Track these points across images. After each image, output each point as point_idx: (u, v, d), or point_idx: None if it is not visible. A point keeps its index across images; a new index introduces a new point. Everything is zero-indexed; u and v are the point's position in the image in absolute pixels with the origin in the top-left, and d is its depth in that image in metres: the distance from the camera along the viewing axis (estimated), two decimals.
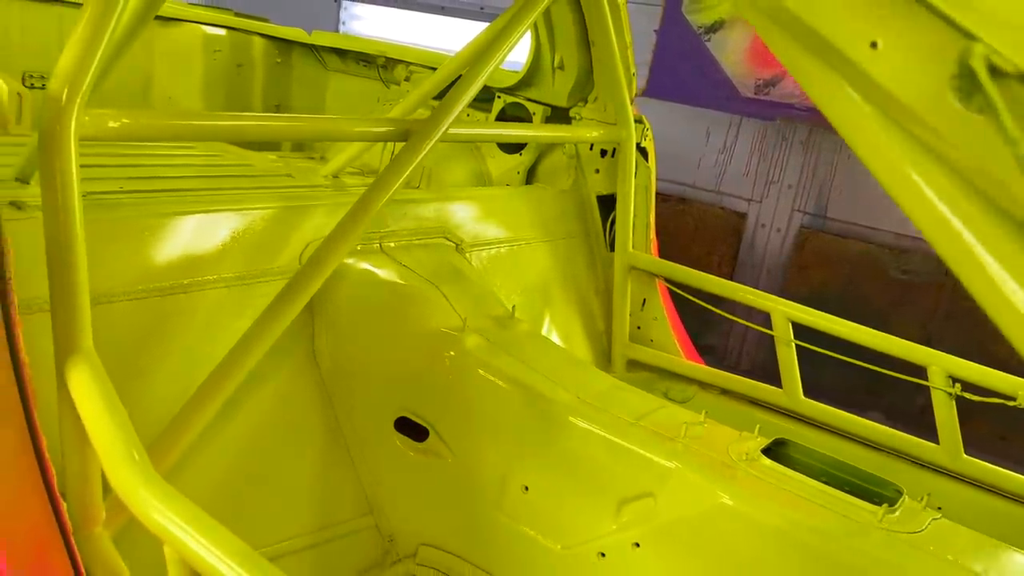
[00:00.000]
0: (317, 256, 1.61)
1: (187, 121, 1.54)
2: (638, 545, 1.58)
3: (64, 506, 1.23)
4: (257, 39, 3.43)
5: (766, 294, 2.45)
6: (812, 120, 4.01)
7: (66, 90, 1.22)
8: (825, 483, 1.56)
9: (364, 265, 1.91)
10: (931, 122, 0.52)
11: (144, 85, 3.15)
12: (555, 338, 2.53)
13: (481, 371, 1.78)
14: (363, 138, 2.09)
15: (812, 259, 4.06)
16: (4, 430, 1.19)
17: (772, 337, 2.37)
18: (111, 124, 1.32)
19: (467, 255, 2.25)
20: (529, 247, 2.52)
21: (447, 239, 2.20)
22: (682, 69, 4.33)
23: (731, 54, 4.16)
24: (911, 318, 3.79)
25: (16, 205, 1.42)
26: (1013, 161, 0.45)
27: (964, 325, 3.68)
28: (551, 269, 2.59)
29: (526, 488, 1.71)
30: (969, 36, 0.49)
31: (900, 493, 1.54)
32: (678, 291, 2.66)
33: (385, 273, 1.92)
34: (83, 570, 1.21)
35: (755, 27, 0.67)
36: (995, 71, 0.48)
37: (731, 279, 4.34)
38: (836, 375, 2.62)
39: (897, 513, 1.47)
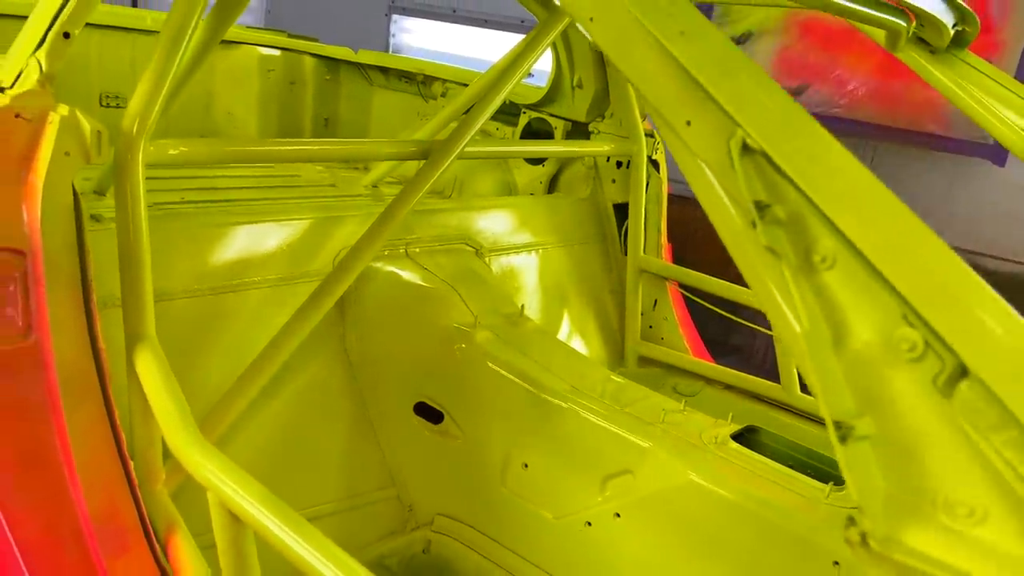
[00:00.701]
0: (346, 260, 1.87)
1: (232, 148, 1.82)
2: (619, 515, 1.80)
3: (132, 466, 1.51)
4: (308, 58, 3.72)
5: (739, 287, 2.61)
6: (836, 128, 4.14)
7: (135, 126, 1.50)
8: (790, 466, 1.76)
9: (390, 268, 2.17)
10: (720, 179, 0.74)
11: (207, 102, 3.47)
12: (571, 335, 2.75)
13: (489, 363, 2.02)
14: (389, 157, 2.35)
15: None
16: (86, 403, 1.47)
17: None
18: (170, 152, 1.60)
19: (486, 259, 2.50)
20: (547, 251, 2.75)
21: (468, 245, 2.45)
22: None
23: (758, 63, 4.32)
24: None
25: (95, 218, 1.70)
26: (743, 219, 0.68)
27: None
28: (568, 271, 2.82)
29: (526, 465, 1.95)
30: (735, 123, 0.71)
31: None
32: (687, 293, 2.86)
33: (408, 275, 2.17)
34: (147, 518, 1.48)
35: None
36: (746, 148, 0.70)
37: None
38: None
39: (843, 490, 1.66)
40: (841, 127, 4.13)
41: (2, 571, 1.38)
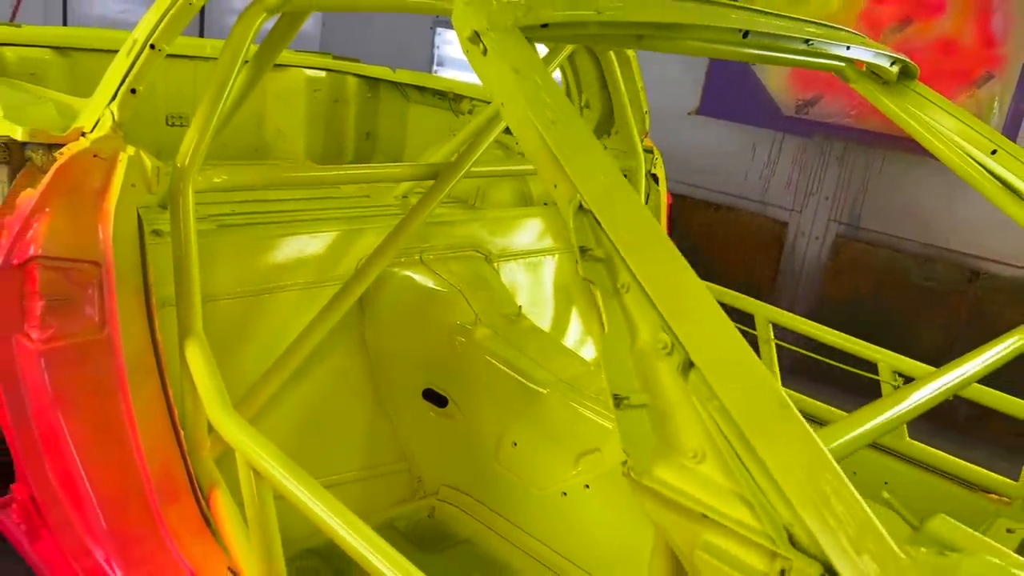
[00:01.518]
0: (365, 266, 2.23)
1: (263, 175, 2.19)
2: (588, 487, 2.11)
3: (183, 435, 1.88)
4: (350, 78, 4.09)
5: (749, 298, 2.87)
6: (847, 138, 4.36)
7: (186, 161, 1.87)
8: None
9: (406, 273, 2.51)
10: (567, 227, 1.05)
11: (258, 121, 3.86)
12: (575, 333, 3.06)
13: (486, 356, 2.35)
14: (403, 179, 2.69)
15: (846, 265, 4.41)
16: (147, 384, 1.84)
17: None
18: (215, 180, 1.96)
19: (495, 265, 2.82)
20: (553, 258, 3.06)
21: (478, 252, 2.77)
22: (732, 91, 4.75)
23: (775, 77, 4.55)
24: (934, 322, 4.10)
25: (157, 233, 2.07)
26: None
27: (983, 330, 3.98)
28: (574, 276, 3.12)
29: (515, 444, 2.27)
30: (576, 190, 1.02)
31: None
32: None
33: (421, 279, 2.51)
34: (193, 477, 1.85)
35: None
36: (581, 208, 1.01)
37: (774, 283, 4.75)
38: (806, 366, 3.03)
39: None
40: (852, 136, 4.34)
41: (83, 515, 1.77)
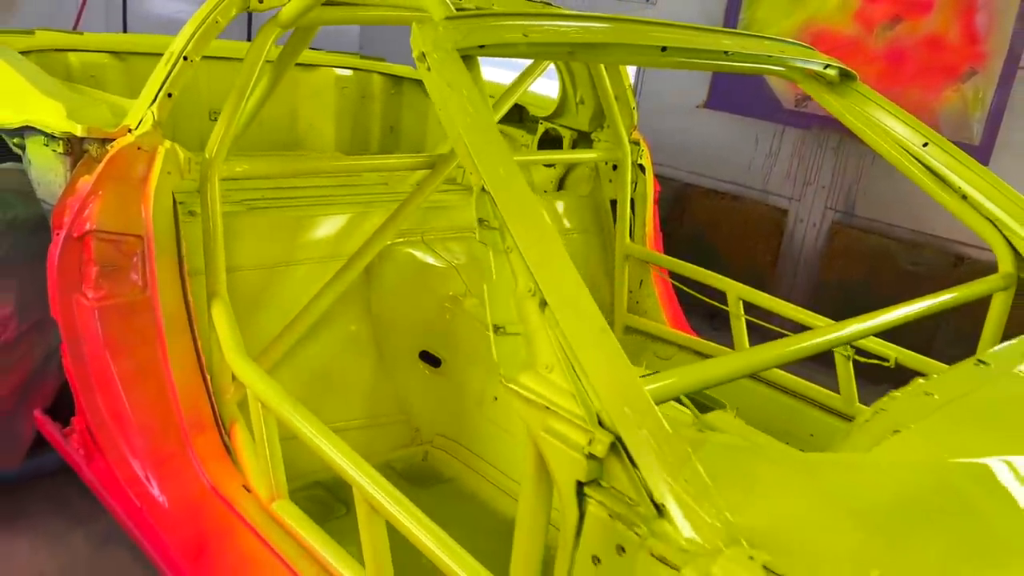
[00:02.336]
0: (369, 242, 2.60)
1: (278, 166, 2.58)
2: None
3: (209, 380, 2.27)
4: (376, 76, 4.47)
5: (723, 277, 3.16)
6: (842, 130, 4.60)
7: (213, 152, 2.26)
8: (678, 401, 2.37)
9: (408, 250, 2.87)
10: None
11: (291, 116, 4.26)
12: None
13: (474, 323, 2.70)
14: (404, 168, 3.05)
15: (840, 251, 4.66)
16: (181, 337, 2.23)
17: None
18: (237, 168, 2.35)
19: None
20: None
21: (472, 232, 3.13)
22: (736, 85, 5.02)
23: None
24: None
25: (192, 213, 2.47)
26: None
27: (966, 312, 4.20)
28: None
29: (495, 398, 2.62)
30: (481, 178, 1.37)
31: (723, 406, 2.33)
32: (661, 274, 3.45)
33: (420, 256, 2.87)
34: (217, 413, 2.24)
35: None
36: (483, 190, 1.36)
37: (774, 268, 5.02)
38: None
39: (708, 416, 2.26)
40: (846, 129, 4.57)
41: (127, 440, 2.18)
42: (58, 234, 2.16)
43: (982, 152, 4.14)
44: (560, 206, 3.50)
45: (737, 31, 2.26)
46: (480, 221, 1.37)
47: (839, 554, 1.01)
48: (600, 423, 1.14)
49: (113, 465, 2.21)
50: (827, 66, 2.44)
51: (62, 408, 2.48)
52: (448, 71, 1.54)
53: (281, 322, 2.51)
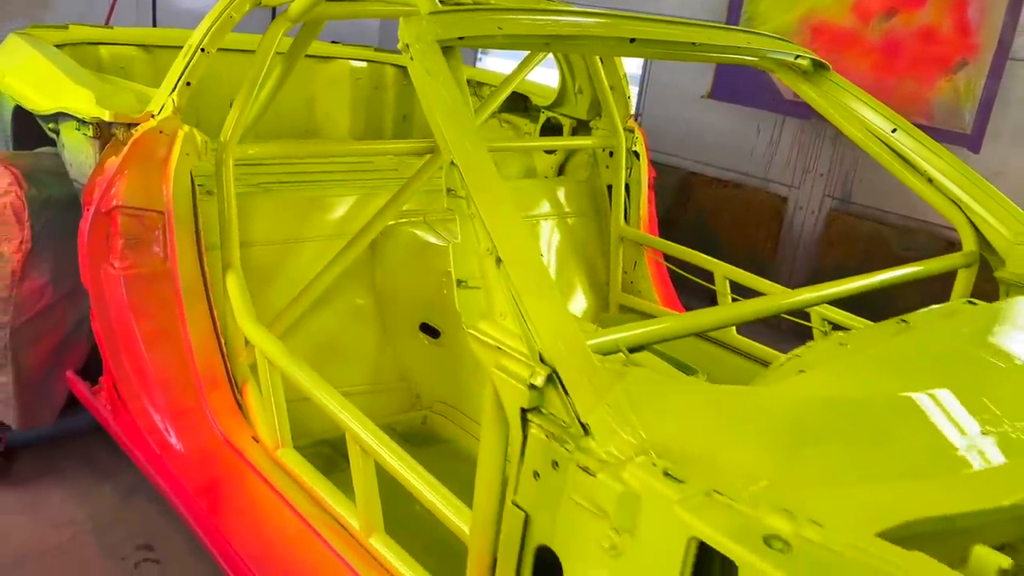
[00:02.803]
0: (372, 221, 2.81)
1: (290, 148, 2.79)
2: None
3: (224, 343, 2.49)
4: (389, 67, 4.68)
5: (710, 258, 3.33)
6: None
7: (228, 136, 2.48)
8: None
9: (410, 229, 3.08)
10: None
11: (309, 106, 4.48)
12: (566, 287, 3.57)
13: None
14: (403, 152, 3.25)
15: (837, 237, 4.81)
16: (198, 303, 2.45)
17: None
18: (250, 151, 2.56)
19: None
20: (547, 222, 3.58)
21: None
22: (738, 77, 5.17)
23: None
24: (913, 288, 4.47)
25: (209, 192, 2.69)
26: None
27: (947, 292, 4.33)
28: (566, 238, 3.64)
29: None
30: (451, 153, 1.56)
31: (694, 371, 2.52)
32: (655, 256, 3.63)
33: (421, 234, 3.07)
34: (231, 373, 2.46)
35: None
36: (452, 163, 1.55)
37: (775, 254, 5.17)
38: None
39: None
40: None
41: (149, 395, 2.41)
42: (88, 209, 2.39)
43: (973, 140, 4.26)
44: (560, 191, 3.69)
45: (711, 24, 2.42)
46: (448, 191, 1.57)
47: (734, 466, 1.20)
48: (541, 359, 1.33)
49: (136, 418, 2.45)
50: (798, 56, 2.60)
51: (91, 370, 2.72)
52: (428, 60, 1.73)
53: (291, 294, 2.72)
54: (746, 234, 5.21)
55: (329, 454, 2.72)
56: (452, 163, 1.57)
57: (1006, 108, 4.19)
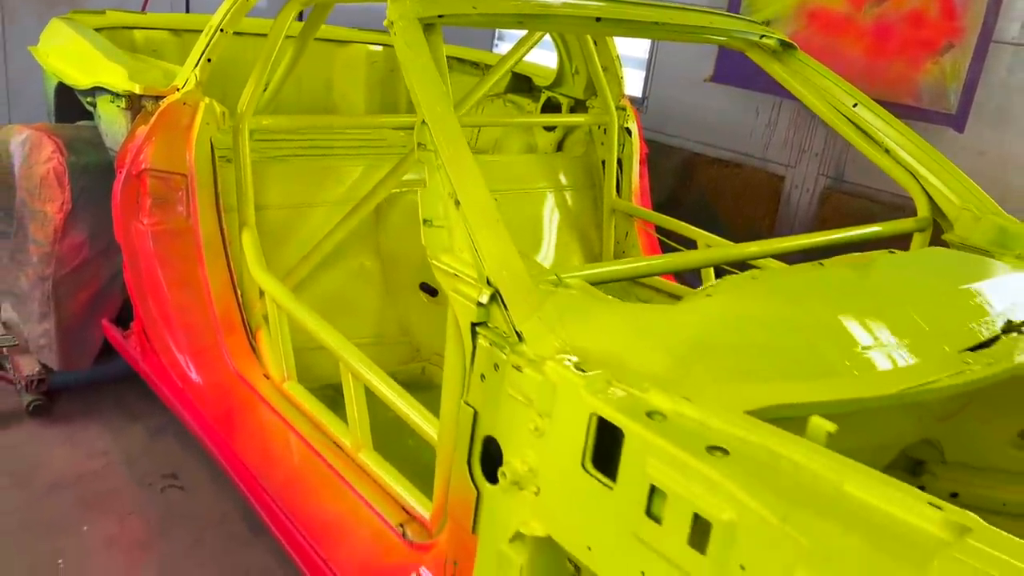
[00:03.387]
0: (376, 188, 3.09)
1: (300, 121, 3.08)
2: None
3: (240, 295, 2.79)
4: None
5: (694, 227, 3.57)
6: None
7: (244, 108, 2.77)
8: None
9: (412, 197, 3.35)
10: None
11: (327, 88, 4.78)
12: (559, 255, 3.83)
13: None
14: (406, 125, 3.53)
15: (830, 214, 5.01)
16: (217, 257, 2.75)
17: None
18: (264, 122, 2.85)
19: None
20: (542, 193, 3.83)
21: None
22: (739, 60, 5.36)
23: None
24: None
25: (226, 159, 2.97)
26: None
27: None
28: (562, 209, 3.89)
29: None
30: (425, 125, 1.83)
31: None
32: (645, 227, 3.87)
33: None
34: (245, 319, 2.76)
35: None
36: (423, 122, 1.82)
37: (772, 230, 5.38)
38: None
39: None
40: None
41: (173, 337, 2.72)
42: (120, 172, 2.70)
43: (958, 120, 4.44)
44: (558, 165, 3.94)
45: (677, 5, 2.65)
46: (419, 144, 1.84)
47: (635, 366, 1.46)
48: (487, 282, 1.60)
49: (162, 357, 2.76)
50: (763, 36, 2.84)
51: (124, 319, 3.04)
52: (408, 35, 2.00)
53: (302, 253, 3.01)
54: (745, 212, 5.42)
55: (332, 395, 3.00)
56: (423, 122, 1.84)
57: (989, 89, 4.37)
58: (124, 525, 2.67)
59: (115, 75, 2.85)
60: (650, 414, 1.31)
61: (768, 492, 1.13)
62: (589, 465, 1.36)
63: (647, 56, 6.02)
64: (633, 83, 6.20)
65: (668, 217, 3.71)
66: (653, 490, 1.25)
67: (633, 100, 6.11)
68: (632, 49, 6.12)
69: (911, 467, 2.33)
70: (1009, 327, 1.86)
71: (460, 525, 1.70)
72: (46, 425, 3.13)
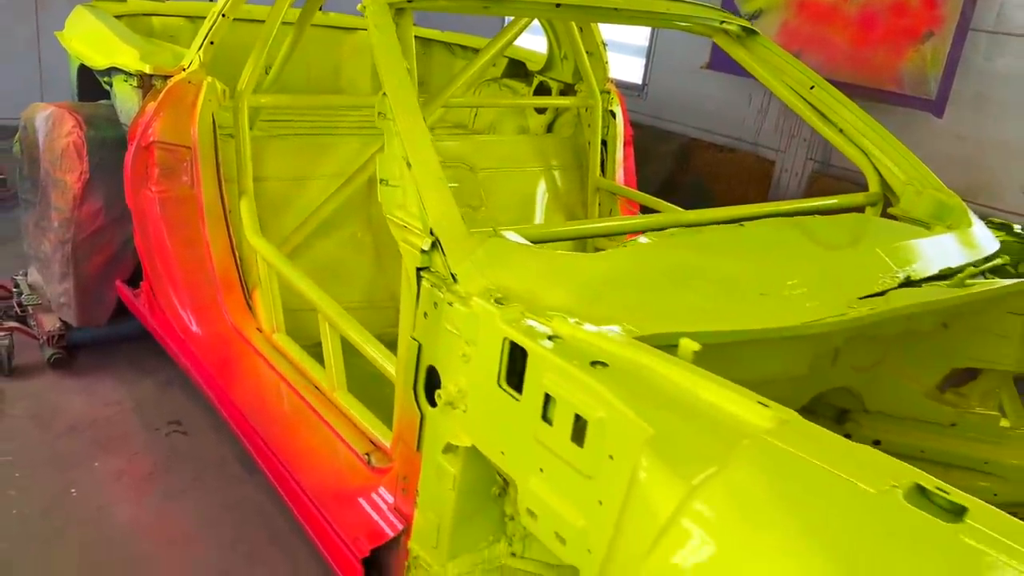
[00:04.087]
0: (367, 163, 3.34)
1: (296, 100, 3.34)
2: None
3: (238, 256, 3.06)
4: None
5: (675, 206, 3.77)
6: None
7: (244, 86, 3.03)
8: None
9: None
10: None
11: (335, 72, 5.03)
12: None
13: None
14: None
15: (818, 196, 5.19)
16: (218, 221, 3.02)
17: None
18: (261, 101, 3.11)
19: (479, 175, 3.88)
20: (530, 172, 4.06)
21: (464, 164, 3.84)
22: None
23: (766, 35, 5.33)
24: None
25: (229, 135, 3.24)
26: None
27: None
28: (548, 188, 4.12)
29: None
30: (385, 100, 2.08)
31: None
32: (628, 205, 4.08)
33: None
34: (243, 279, 3.03)
35: None
36: (384, 95, 2.07)
37: None
38: None
39: None
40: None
41: (177, 294, 2.99)
42: (131, 144, 2.98)
43: (937, 106, 4.61)
44: (547, 146, 4.17)
45: None
46: (379, 114, 2.09)
47: (549, 302, 1.69)
48: (430, 232, 1.84)
49: (167, 313, 3.04)
50: (723, 22, 3.05)
51: (135, 281, 3.33)
52: (379, 18, 2.25)
53: (299, 222, 3.28)
54: (738, 194, 5.61)
55: (320, 352, 3.28)
56: (384, 94, 2.09)
57: (967, 75, 4.53)
58: (131, 462, 2.95)
59: (128, 56, 3.13)
60: (551, 338, 1.54)
61: (632, 395, 1.37)
62: (503, 382, 1.60)
63: (647, 44, 6.22)
64: (634, 71, 6.41)
65: (650, 196, 3.92)
66: (548, 399, 1.48)
67: (634, 87, 6.36)
68: (633, 37, 6.33)
69: (837, 416, 2.54)
70: (908, 282, 2.07)
71: (408, 445, 1.95)
72: (65, 376, 3.43)
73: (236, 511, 2.76)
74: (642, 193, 3.96)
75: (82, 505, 2.71)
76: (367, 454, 2.28)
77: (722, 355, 1.64)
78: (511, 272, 1.78)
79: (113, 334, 3.60)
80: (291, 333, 2.87)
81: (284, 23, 3.13)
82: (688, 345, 1.52)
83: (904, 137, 4.91)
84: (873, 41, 4.85)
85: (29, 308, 3.58)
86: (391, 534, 2.01)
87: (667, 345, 1.56)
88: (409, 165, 1.95)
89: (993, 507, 1.11)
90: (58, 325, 3.46)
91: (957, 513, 1.09)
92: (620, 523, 1.31)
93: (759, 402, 1.32)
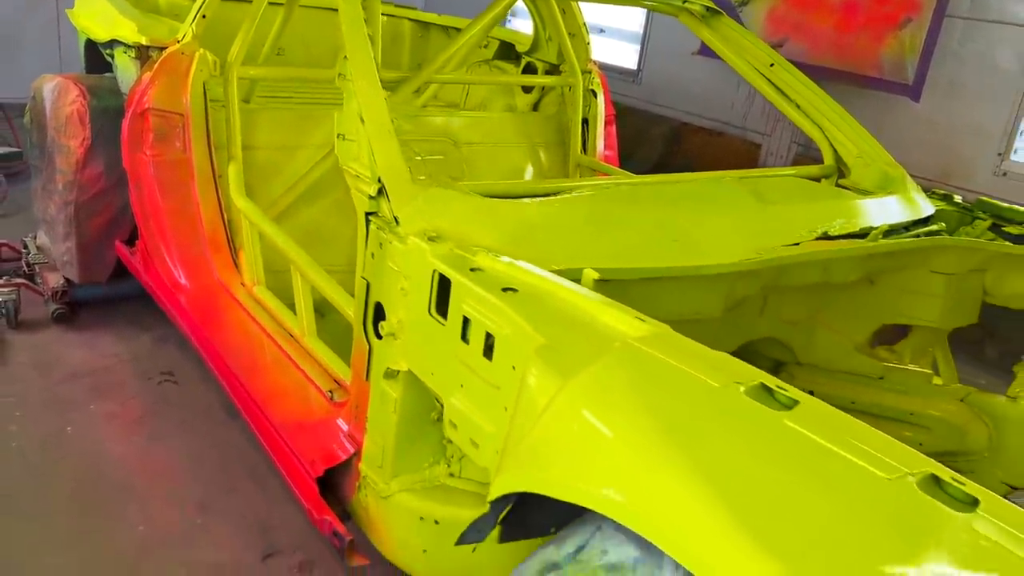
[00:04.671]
0: None
1: (283, 72, 3.55)
2: None
3: (227, 218, 3.27)
4: (406, 21, 5.39)
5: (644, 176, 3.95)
6: (805, 73, 5.25)
7: (232, 58, 3.24)
8: None
9: None
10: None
11: (333, 54, 5.20)
12: None
13: None
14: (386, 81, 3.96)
15: None
16: (208, 184, 3.23)
17: None
18: (251, 72, 3.32)
19: (462, 150, 4.07)
20: (512, 148, 4.24)
21: (448, 138, 4.03)
22: None
23: (754, 22, 5.48)
24: None
25: (219, 103, 3.44)
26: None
27: None
28: (532, 163, 4.30)
29: None
30: (344, 74, 2.26)
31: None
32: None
33: None
34: (231, 239, 3.24)
35: None
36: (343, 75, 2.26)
37: None
38: None
39: None
40: (809, 72, 5.21)
41: (169, 251, 3.21)
42: (128, 110, 3.20)
43: (914, 90, 4.74)
44: (532, 124, 4.36)
45: None
46: (339, 75, 2.28)
47: (479, 241, 1.88)
48: (378, 180, 2.04)
49: (159, 268, 3.25)
50: (687, 1, 3.21)
51: (133, 241, 3.55)
52: None
53: (284, 187, 3.48)
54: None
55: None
56: (345, 57, 2.28)
57: (943, 61, 4.66)
58: (124, 406, 3.18)
59: (127, 29, 3.34)
60: (473, 269, 1.74)
61: (532, 314, 1.55)
62: (433, 311, 1.80)
63: (641, 31, 6.38)
64: (629, 56, 6.57)
65: (630, 173, 4.09)
66: (466, 321, 1.68)
67: (629, 73, 6.53)
68: (629, 23, 6.50)
69: (773, 368, 2.71)
70: (824, 236, 2.24)
71: (359, 376, 2.15)
72: (68, 330, 3.67)
73: (217, 450, 2.98)
74: (622, 170, 4.14)
75: (77, 441, 2.94)
76: (330, 391, 2.48)
77: (639, 295, 1.83)
78: (447, 216, 1.97)
79: (113, 293, 3.82)
80: (276, 292, 3.07)
81: (273, 3, 3.33)
82: (590, 274, 1.70)
83: (885, 120, 5.07)
84: (856, 27, 4.99)
85: (36, 267, 3.82)
86: (343, 456, 2.21)
87: (575, 280, 1.75)
88: (363, 120, 2.14)
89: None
90: (61, 282, 3.69)
91: (788, 407, 1.27)
92: (513, 420, 1.50)
93: (637, 317, 1.50)
